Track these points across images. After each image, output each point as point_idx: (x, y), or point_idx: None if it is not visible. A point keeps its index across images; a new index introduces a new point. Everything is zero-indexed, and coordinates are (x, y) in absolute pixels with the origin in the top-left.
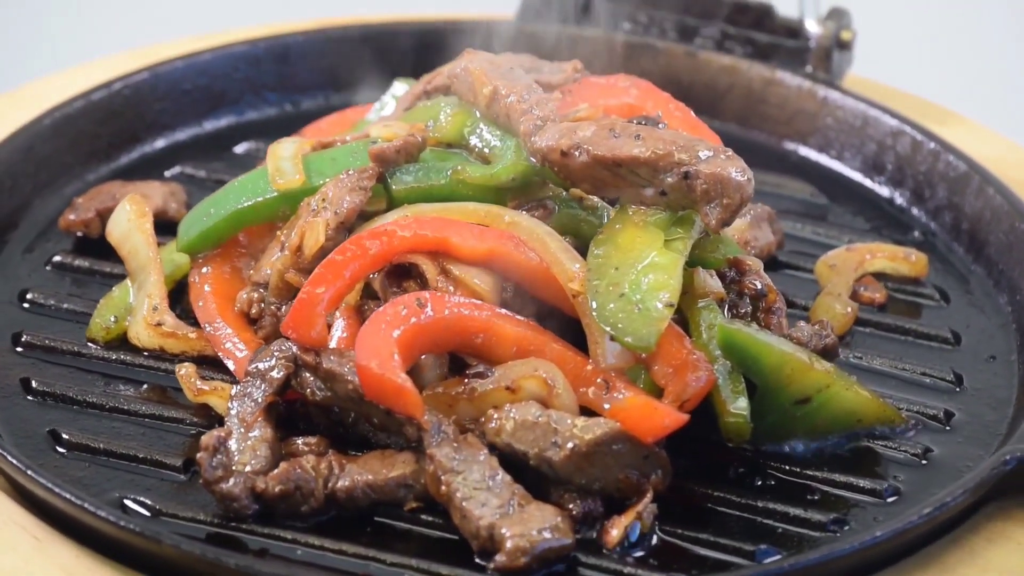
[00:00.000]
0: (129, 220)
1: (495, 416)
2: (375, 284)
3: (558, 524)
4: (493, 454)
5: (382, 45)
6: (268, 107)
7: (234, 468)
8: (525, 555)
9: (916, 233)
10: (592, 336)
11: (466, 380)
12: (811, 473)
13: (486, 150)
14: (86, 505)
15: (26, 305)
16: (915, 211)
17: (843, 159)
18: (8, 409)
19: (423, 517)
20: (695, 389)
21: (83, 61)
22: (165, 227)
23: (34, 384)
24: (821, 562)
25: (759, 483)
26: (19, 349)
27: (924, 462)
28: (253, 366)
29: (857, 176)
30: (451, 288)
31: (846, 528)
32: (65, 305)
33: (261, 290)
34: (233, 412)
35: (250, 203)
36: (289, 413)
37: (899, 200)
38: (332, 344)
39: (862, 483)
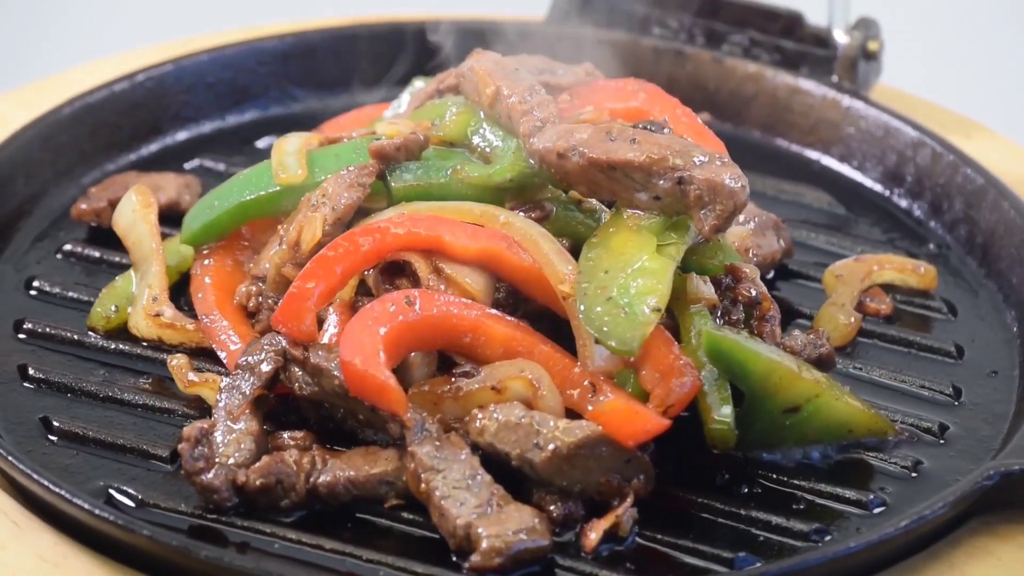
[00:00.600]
0: (134, 211)
1: (479, 416)
2: (369, 281)
3: (535, 526)
4: (476, 454)
5: (411, 43)
6: (294, 103)
7: (217, 460)
8: (500, 555)
9: (931, 246)
10: (580, 339)
11: (453, 379)
12: (798, 482)
13: (488, 150)
14: (63, 492)
15: (32, 292)
16: (932, 224)
17: (864, 169)
18: (3, 395)
19: (405, 515)
20: (679, 395)
21: (116, 53)
22: (178, 219)
23: (31, 371)
24: (791, 571)
25: (745, 490)
26: (20, 336)
27: (914, 475)
28: (243, 359)
29: (877, 187)
30: (442, 287)
31: (827, 538)
32: (70, 293)
33: (260, 284)
34: (221, 404)
35: (253, 196)
36: (282, 407)
37: (917, 212)
38: (325, 340)
39: (849, 494)
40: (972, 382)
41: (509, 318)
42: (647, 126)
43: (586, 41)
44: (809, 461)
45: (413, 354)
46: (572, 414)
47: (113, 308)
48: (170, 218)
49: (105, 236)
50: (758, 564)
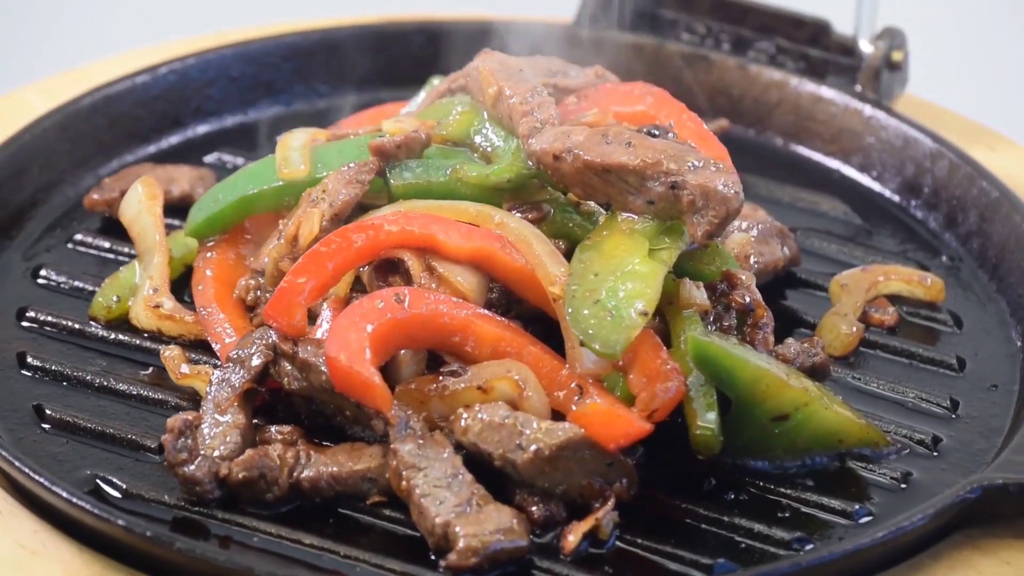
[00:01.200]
0: (139, 202)
1: (464, 415)
2: (364, 277)
3: (513, 526)
4: (460, 453)
5: (436, 42)
6: (318, 99)
7: (201, 452)
8: (476, 555)
9: (944, 258)
10: (569, 341)
11: (440, 378)
12: (786, 491)
13: (489, 149)
14: (42, 480)
15: (40, 281)
16: (947, 236)
17: (883, 180)
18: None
19: (387, 512)
20: (663, 399)
21: (150, 45)
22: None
23: (29, 359)
24: None
25: (732, 497)
26: (23, 324)
27: (904, 486)
28: (234, 352)
29: (894, 197)
30: (434, 285)
31: (808, 547)
32: (76, 283)
33: (259, 278)
34: (210, 396)
35: (256, 190)
36: (276, 402)
37: (932, 224)
38: (319, 335)
39: (835, 504)
40: (971, 395)
41: (499, 318)
42: (651, 130)
43: (610, 44)
44: (799, 470)
45: (403, 352)
46: (561, 416)
47: (115, 298)
48: (183, 210)
49: (117, 227)
50: (737, 571)
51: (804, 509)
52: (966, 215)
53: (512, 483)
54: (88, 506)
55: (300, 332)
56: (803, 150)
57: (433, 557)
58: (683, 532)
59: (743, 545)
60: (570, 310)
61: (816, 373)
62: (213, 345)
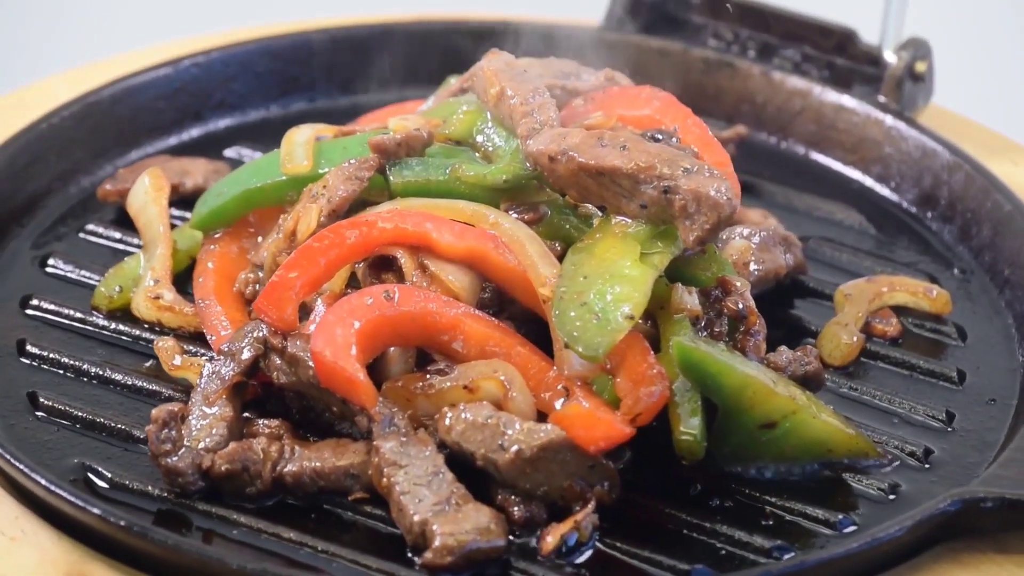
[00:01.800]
0: (146, 193)
1: (448, 414)
2: (359, 274)
3: (490, 526)
4: (443, 452)
5: (462, 42)
6: (341, 96)
7: (186, 444)
8: (452, 554)
9: (956, 270)
10: (558, 342)
11: (427, 376)
12: (771, 498)
13: (491, 149)
14: (21, 466)
15: (47, 270)
16: (960, 248)
17: (900, 191)
18: None
19: (370, 509)
20: (647, 403)
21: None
22: None
23: (28, 346)
24: None
25: (716, 503)
26: (27, 312)
27: (892, 497)
28: (225, 345)
29: (912, 208)
30: (426, 283)
31: (787, 556)
32: (83, 272)
33: (260, 272)
34: (199, 388)
35: (259, 185)
36: (269, 397)
37: (947, 236)
38: (310, 330)
39: (819, 513)
40: (968, 409)
41: (489, 318)
42: (654, 135)
43: (636, 48)
44: (787, 478)
45: (392, 349)
46: (545, 417)
47: (117, 288)
48: (195, 204)
49: (129, 218)
50: None
51: (788, 517)
52: (980, 228)
53: (494, 483)
54: (65, 494)
55: (291, 326)
56: (824, 159)
57: (410, 555)
58: (664, 537)
59: (723, 552)
60: (557, 312)
61: (809, 382)
62: (208, 337)
